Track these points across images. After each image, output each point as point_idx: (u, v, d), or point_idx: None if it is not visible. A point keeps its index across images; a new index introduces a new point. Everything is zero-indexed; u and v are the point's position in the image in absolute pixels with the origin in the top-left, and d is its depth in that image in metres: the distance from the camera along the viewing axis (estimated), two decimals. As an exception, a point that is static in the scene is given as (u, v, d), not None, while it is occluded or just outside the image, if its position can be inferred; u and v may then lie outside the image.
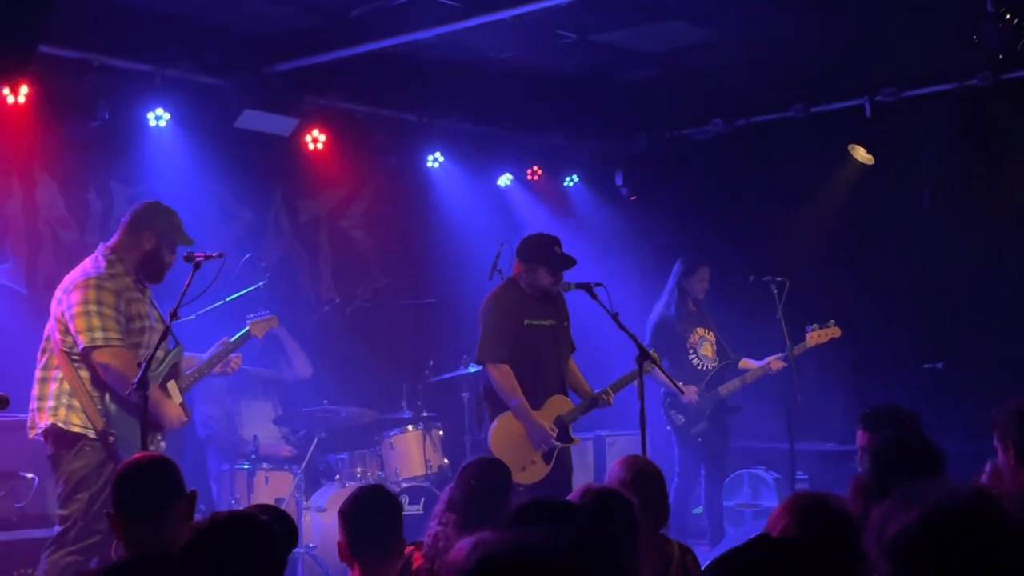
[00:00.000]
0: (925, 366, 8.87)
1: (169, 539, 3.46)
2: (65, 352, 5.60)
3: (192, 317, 6.27)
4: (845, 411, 9.30)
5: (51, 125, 7.89)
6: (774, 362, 8.33)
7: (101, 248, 5.87)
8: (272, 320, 6.24)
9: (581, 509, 3.60)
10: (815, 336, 8.24)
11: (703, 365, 8.49)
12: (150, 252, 5.87)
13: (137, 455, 3.91)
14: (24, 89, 7.45)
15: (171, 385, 5.81)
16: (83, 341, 5.52)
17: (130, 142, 8.28)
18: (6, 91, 7.41)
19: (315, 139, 9.11)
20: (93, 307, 5.55)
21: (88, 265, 5.76)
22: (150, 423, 5.59)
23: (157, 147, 8.38)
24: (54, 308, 5.69)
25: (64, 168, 8.12)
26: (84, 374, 5.60)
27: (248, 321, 6.73)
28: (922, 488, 2.77)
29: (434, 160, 9.97)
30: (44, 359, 5.69)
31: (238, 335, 6.64)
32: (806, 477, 8.84)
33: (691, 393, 8.27)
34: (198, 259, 5.64)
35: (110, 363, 5.54)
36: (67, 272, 5.90)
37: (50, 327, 5.72)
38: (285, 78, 8.53)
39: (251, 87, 8.43)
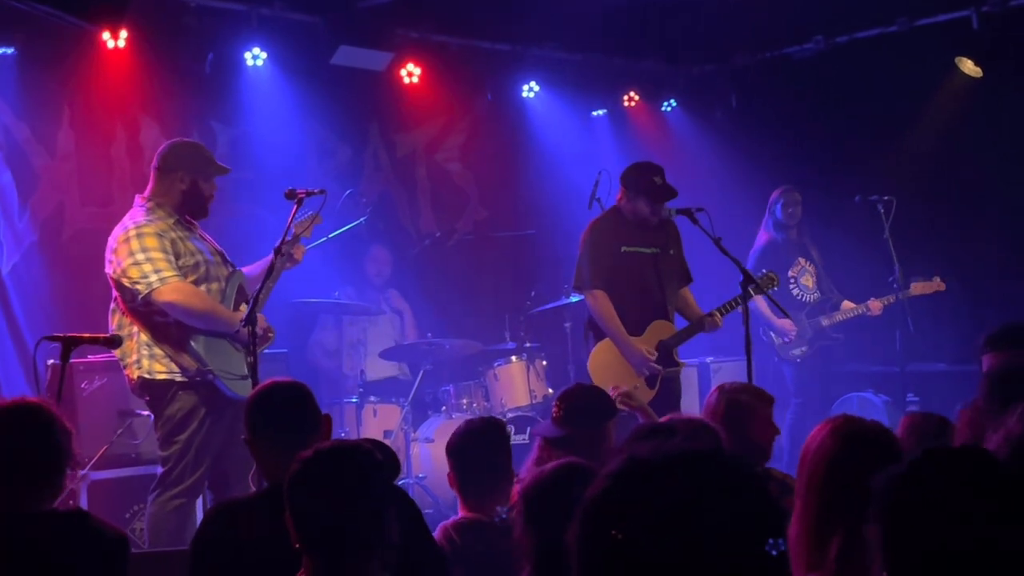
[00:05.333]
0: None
1: None
2: (131, 307, 5.58)
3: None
4: (956, 331, 9.11)
5: (151, 68, 7.99)
6: (873, 304, 8.37)
7: (137, 199, 5.79)
8: (313, 217, 6.04)
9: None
10: (918, 287, 8.22)
11: (803, 296, 8.55)
12: (188, 191, 5.75)
13: (270, 380, 3.88)
14: (123, 34, 7.54)
15: (242, 308, 5.78)
16: (141, 290, 5.47)
17: (228, 82, 8.36)
18: (106, 35, 7.52)
19: (410, 73, 9.09)
20: (140, 255, 5.47)
21: (127, 220, 5.68)
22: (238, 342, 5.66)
23: (255, 86, 8.46)
24: (107, 270, 5.64)
25: (165, 110, 8.22)
26: (159, 320, 5.56)
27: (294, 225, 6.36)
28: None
29: (529, 90, 9.90)
30: (116, 319, 5.67)
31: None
32: (917, 399, 8.70)
33: (787, 325, 8.34)
34: (300, 195, 5.63)
35: (172, 299, 5.47)
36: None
37: (112, 287, 5.68)
38: (378, 12, 8.50)
39: (345, 23, 8.42)
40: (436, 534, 3.99)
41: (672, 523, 1.50)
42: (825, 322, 8.50)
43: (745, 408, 4.37)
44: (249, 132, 8.59)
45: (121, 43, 7.59)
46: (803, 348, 8.50)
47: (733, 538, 1.52)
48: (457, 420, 5.44)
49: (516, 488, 4.68)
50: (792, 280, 8.49)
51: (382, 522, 2.94)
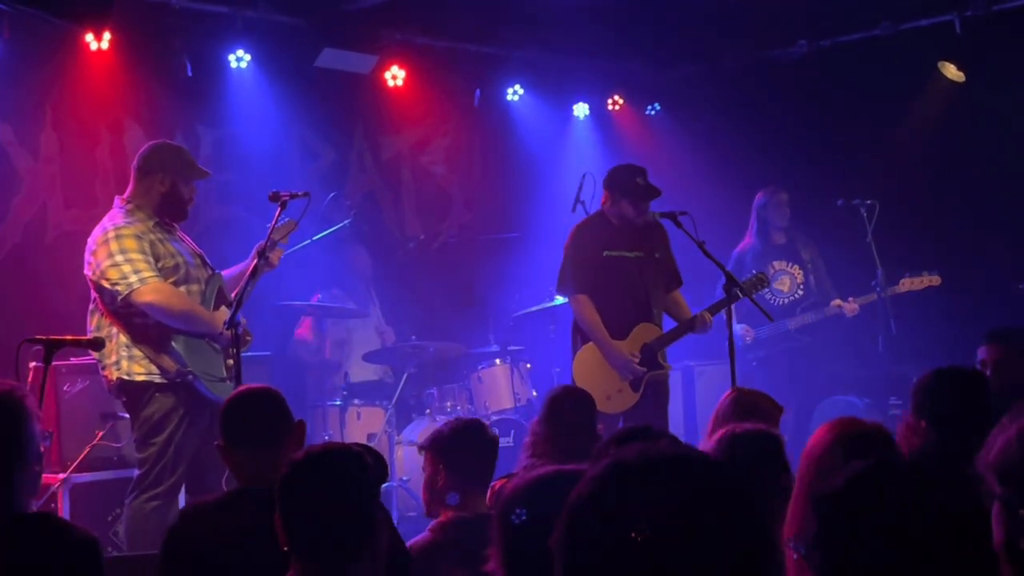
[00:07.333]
0: (1021, 286, 8.67)
1: (278, 469, 3.44)
2: (110, 309, 5.56)
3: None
4: (939, 334, 9.14)
5: (134, 71, 7.97)
6: (848, 305, 8.35)
7: (117, 200, 5.77)
8: (290, 224, 6.04)
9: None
10: (907, 283, 8.20)
11: (776, 300, 8.52)
12: (167, 193, 5.72)
13: (243, 387, 3.88)
14: (107, 36, 7.52)
15: (222, 310, 5.77)
16: (121, 291, 5.44)
17: (213, 85, 8.34)
18: (89, 38, 7.50)
19: (394, 76, 9.09)
20: (119, 257, 5.45)
21: (106, 221, 5.66)
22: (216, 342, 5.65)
23: (239, 89, 8.44)
24: (86, 272, 5.62)
25: (149, 113, 8.20)
26: (139, 322, 5.54)
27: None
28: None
29: (514, 93, 9.90)
30: (95, 320, 5.65)
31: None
32: (899, 402, 8.71)
33: (742, 330, 8.37)
34: (283, 198, 5.62)
35: (152, 300, 5.45)
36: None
37: (91, 289, 5.67)
38: (363, 15, 8.50)
39: (330, 25, 8.42)
40: (427, 532, 4.02)
41: (656, 527, 1.50)
42: (792, 325, 8.47)
43: (757, 411, 4.41)
44: (233, 134, 8.57)
45: (104, 45, 7.57)
46: (761, 353, 8.53)
47: (720, 539, 1.52)
48: (441, 423, 5.47)
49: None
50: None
51: (372, 524, 2.94)
